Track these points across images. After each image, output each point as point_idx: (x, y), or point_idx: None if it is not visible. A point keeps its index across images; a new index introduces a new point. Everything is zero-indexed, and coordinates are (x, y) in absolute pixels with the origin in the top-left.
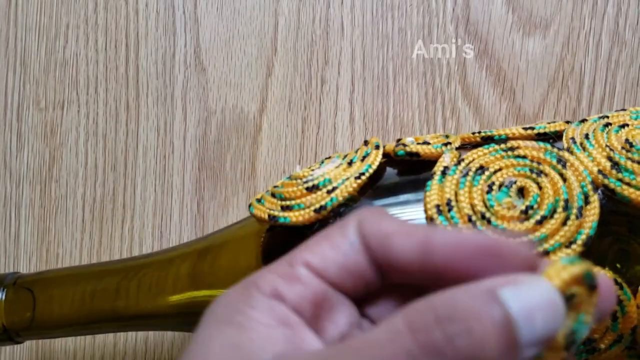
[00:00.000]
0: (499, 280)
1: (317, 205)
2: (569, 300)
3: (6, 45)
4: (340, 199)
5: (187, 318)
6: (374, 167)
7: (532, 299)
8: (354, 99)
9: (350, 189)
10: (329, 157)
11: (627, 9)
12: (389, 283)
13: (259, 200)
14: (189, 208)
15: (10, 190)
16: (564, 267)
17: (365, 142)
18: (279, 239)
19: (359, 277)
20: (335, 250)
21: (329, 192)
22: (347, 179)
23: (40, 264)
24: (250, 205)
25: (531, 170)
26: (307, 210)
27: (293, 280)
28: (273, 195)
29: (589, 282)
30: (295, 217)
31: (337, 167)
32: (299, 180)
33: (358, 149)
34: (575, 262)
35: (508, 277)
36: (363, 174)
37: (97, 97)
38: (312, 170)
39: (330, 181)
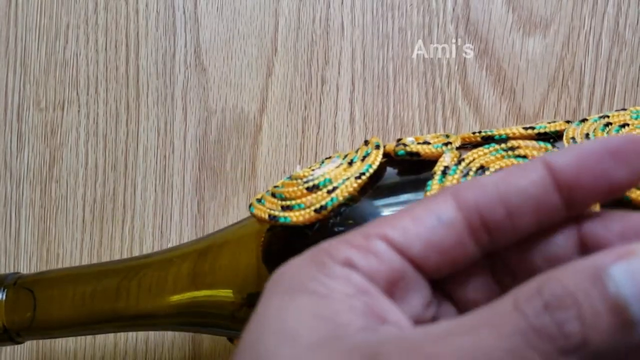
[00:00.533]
0: (609, 256)
1: (318, 205)
2: None
3: (6, 46)
4: (341, 198)
5: (188, 318)
6: (375, 166)
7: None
8: (354, 99)
9: (351, 189)
10: (330, 157)
11: (627, 8)
12: (484, 254)
13: (259, 200)
14: (189, 208)
15: (11, 191)
16: None
17: (366, 142)
18: (279, 239)
19: (445, 254)
20: (419, 224)
21: (329, 192)
22: (348, 178)
23: (40, 264)
24: (250, 205)
25: None
26: (307, 210)
27: (368, 253)
28: (273, 195)
29: None
30: (295, 217)
31: (337, 167)
32: (299, 180)
33: (358, 149)
34: None
35: (619, 250)
36: (363, 173)
37: (97, 97)
38: (313, 170)
39: (330, 181)
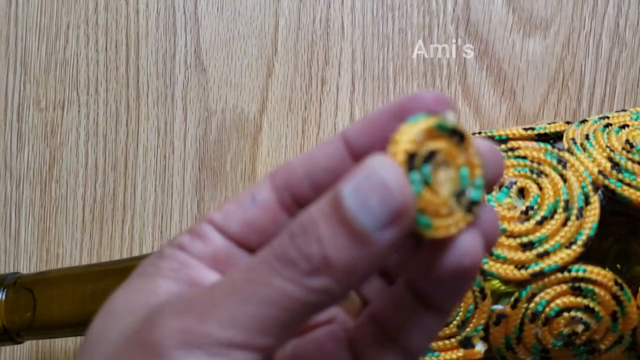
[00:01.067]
0: (344, 179)
1: None
2: (430, 158)
3: (6, 46)
4: None
5: None
6: None
7: (364, 184)
8: (354, 100)
9: None
10: None
11: (628, 9)
12: None
13: None
14: (189, 208)
15: (11, 190)
16: (406, 129)
17: None
18: None
19: (264, 232)
20: (238, 206)
21: None
22: None
23: (40, 264)
24: None
25: (531, 171)
26: None
27: (195, 236)
28: None
29: (449, 133)
30: None
31: None
32: None
33: None
34: (419, 119)
35: (352, 170)
36: None
37: (97, 97)
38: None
39: None
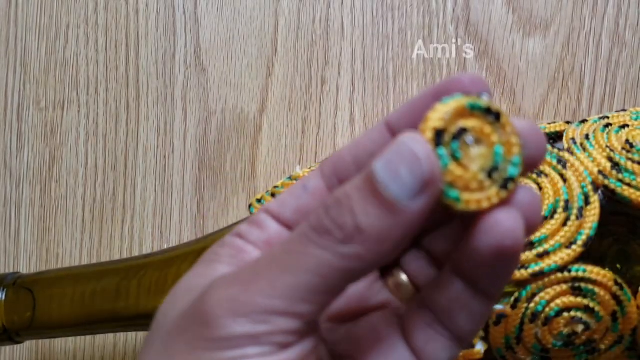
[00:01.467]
0: (378, 156)
1: None
2: (460, 135)
3: (6, 46)
4: None
5: None
6: None
7: (394, 156)
8: (354, 100)
9: None
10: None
11: (628, 9)
12: None
13: (259, 201)
14: (189, 208)
15: (11, 190)
16: (438, 108)
17: None
18: None
19: None
20: (291, 195)
21: None
22: None
23: (40, 264)
24: (250, 206)
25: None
26: None
27: (254, 224)
28: (273, 195)
29: (483, 112)
30: None
31: None
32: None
33: None
34: (453, 99)
35: (385, 148)
36: None
37: (97, 97)
38: (313, 170)
39: None
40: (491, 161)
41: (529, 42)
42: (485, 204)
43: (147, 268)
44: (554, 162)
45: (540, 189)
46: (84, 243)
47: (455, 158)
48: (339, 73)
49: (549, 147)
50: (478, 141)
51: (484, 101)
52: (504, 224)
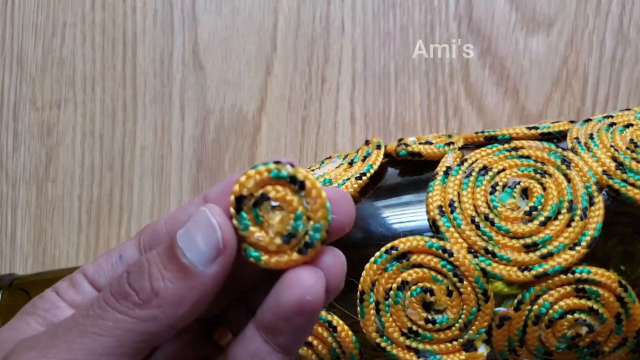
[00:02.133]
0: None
1: None
2: (260, 202)
3: (2, 44)
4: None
5: None
6: (375, 167)
7: (193, 225)
8: (354, 98)
9: (351, 190)
10: (329, 158)
11: (632, 7)
12: None
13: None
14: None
15: (7, 191)
16: (243, 175)
17: (367, 142)
18: None
19: None
20: (108, 261)
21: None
22: (348, 179)
23: (36, 264)
24: None
25: (535, 171)
26: None
27: (71, 283)
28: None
29: (287, 180)
30: None
31: (337, 167)
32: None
33: (359, 149)
34: (260, 166)
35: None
36: (364, 174)
37: (94, 96)
38: (312, 170)
39: (330, 182)
40: (290, 227)
41: (533, 40)
42: (281, 265)
43: None
44: (558, 162)
45: (544, 189)
46: (80, 244)
47: (257, 222)
48: (339, 71)
49: (553, 146)
50: (280, 207)
51: (288, 170)
52: (306, 281)
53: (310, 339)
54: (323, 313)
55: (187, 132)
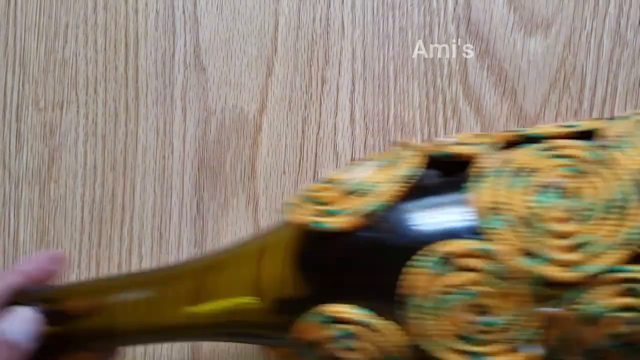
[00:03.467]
0: (5, 319)
1: (364, 210)
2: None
3: (5, 45)
4: (386, 203)
5: (220, 329)
6: (418, 169)
7: (15, 320)
8: (354, 99)
9: (396, 193)
10: (360, 160)
11: (629, 9)
12: None
13: (294, 206)
14: (189, 209)
15: (9, 191)
16: None
17: (402, 144)
18: (317, 245)
19: None
20: None
21: (372, 195)
22: (391, 182)
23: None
24: (286, 211)
25: (577, 170)
26: (352, 215)
27: None
28: (310, 200)
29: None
30: (339, 222)
31: (376, 169)
32: (337, 185)
33: (395, 151)
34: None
35: (11, 314)
36: (408, 176)
37: (96, 97)
38: (348, 174)
39: (373, 184)
40: None
41: (530, 41)
42: None
43: (180, 279)
44: (600, 159)
45: (588, 188)
46: (83, 244)
47: None
48: (339, 72)
49: (593, 144)
50: None
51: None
52: None
53: (358, 345)
54: (370, 318)
55: (188, 133)
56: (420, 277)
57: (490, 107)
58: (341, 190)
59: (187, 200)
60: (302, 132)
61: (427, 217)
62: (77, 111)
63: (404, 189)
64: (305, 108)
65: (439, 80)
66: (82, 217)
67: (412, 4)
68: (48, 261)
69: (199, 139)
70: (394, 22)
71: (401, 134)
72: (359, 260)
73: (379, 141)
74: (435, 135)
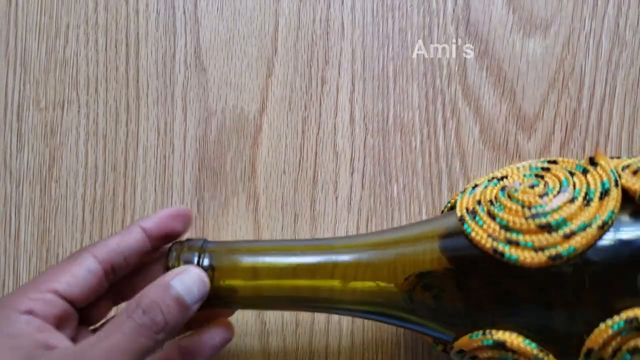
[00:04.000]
0: (170, 275)
1: (553, 252)
2: None
3: (6, 45)
4: (579, 250)
5: (368, 307)
6: (617, 213)
7: (188, 281)
8: (354, 100)
9: (592, 240)
10: (544, 172)
11: (628, 9)
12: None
13: (470, 212)
14: (189, 208)
15: (10, 190)
16: None
17: (592, 162)
18: (497, 271)
19: (93, 291)
20: (77, 277)
21: (566, 236)
22: (588, 225)
23: (40, 264)
24: (453, 206)
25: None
26: (539, 254)
27: (43, 302)
28: (491, 216)
29: None
30: (524, 257)
31: (570, 202)
32: (526, 210)
33: (587, 171)
34: None
35: (177, 270)
36: (606, 223)
37: (97, 97)
38: (539, 197)
39: (566, 222)
40: None
41: (529, 42)
42: None
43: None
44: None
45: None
46: (84, 243)
47: None
48: (339, 73)
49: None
50: None
51: None
52: None
53: None
54: (541, 354)
55: (189, 133)
56: (608, 335)
57: (490, 107)
58: (531, 219)
59: (188, 200)
60: (302, 132)
61: (622, 265)
62: (78, 111)
63: (601, 234)
64: (305, 108)
65: (438, 80)
66: (83, 217)
67: (411, 5)
68: (172, 219)
69: (199, 139)
70: (393, 22)
71: (400, 134)
72: (542, 297)
73: (378, 141)
74: (435, 135)
